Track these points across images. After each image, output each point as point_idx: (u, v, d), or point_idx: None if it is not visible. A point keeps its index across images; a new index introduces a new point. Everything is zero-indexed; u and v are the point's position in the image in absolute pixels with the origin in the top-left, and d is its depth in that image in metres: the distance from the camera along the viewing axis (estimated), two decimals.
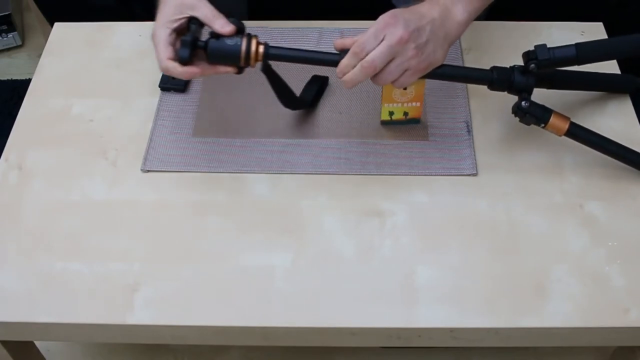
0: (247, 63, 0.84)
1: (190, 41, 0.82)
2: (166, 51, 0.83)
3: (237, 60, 0.83)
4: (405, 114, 0.94)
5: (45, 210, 0.90)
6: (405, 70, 0.82)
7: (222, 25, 0.83)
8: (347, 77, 0.82)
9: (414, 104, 0.94)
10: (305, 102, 0.98)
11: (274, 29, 1.06)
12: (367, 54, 0.80)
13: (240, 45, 0.82)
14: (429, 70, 0.85)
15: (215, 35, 0.83)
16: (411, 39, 0.80)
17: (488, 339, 0.81)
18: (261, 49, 0.83)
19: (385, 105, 0.94)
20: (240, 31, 0.84)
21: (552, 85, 0.96)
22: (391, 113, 0.93)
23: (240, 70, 0.85)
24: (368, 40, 0.80)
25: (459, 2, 0.85)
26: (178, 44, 0.84)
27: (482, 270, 0.83)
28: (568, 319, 0.79)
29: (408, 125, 0.97)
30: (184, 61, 0.82)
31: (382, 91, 0.93)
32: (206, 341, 0.83)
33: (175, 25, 0.84)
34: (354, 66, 0.81)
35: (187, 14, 0.84)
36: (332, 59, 0.84)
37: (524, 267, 0.83)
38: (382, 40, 0.80)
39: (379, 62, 0.80)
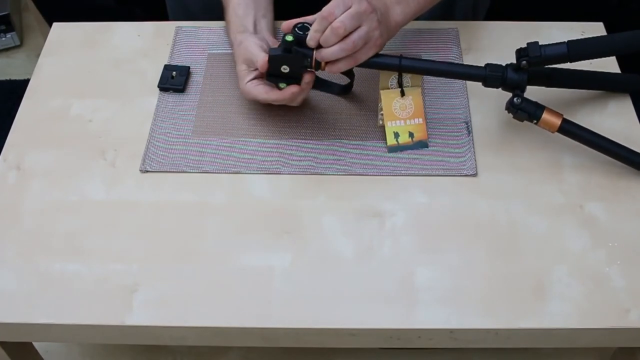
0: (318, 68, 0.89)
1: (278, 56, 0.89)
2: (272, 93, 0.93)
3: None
4: (411, 134, 0.93)
5: (43, 210, 0.89)
6: (366, 43, 0.86)
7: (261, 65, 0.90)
8: (322, 41, 0.85)
9: (416, 120, 0.94)
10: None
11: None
12: (335, 19, 0.84)
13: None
14: (380, 49, 0.88)
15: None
16: (374, 11, 0.85)
17: (488, 340, 0.81)
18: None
19: (389, 124, 0.93)
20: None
21: (551, 82, 0.96)
22: (396, 135, 0.93)
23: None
24: (337, 6, 0.84)
25: (399, 4, 0.90)
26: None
27: (482, 270, 0.83)
28: (568, 319, 0.79)
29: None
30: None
31: (382, 109, 0.94)
32: (205, 342, 0.83)
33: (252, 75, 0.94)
34: (323, 31, 0.84)
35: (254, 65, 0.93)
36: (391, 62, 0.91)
37: (524, 267, 0.83)
38: (349, 8, 0.84)
39: (349, 24, 0.84)
